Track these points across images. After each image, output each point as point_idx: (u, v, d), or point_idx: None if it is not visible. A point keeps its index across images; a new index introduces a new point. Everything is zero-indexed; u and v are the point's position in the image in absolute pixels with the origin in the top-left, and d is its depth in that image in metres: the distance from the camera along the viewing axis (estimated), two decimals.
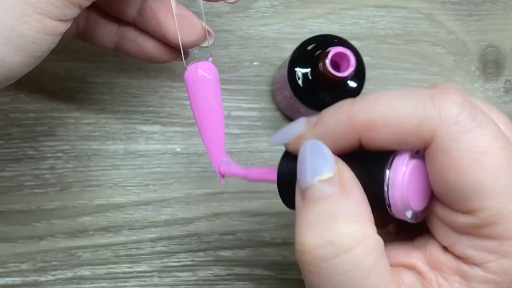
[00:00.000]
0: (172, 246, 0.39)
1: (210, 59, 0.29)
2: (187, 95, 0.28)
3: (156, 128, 0.39)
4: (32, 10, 0.23)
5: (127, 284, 0.39)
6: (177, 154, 0.40)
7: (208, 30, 0.30)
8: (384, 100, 0.20)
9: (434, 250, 0.21)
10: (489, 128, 0.19)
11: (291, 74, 0.35)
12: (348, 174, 0.21)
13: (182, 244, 0.39)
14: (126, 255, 0.39)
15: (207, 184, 0.39)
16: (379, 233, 0.20)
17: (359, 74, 0.35)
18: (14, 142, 0.38)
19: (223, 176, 0.28)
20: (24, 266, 0.38)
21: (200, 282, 0.39)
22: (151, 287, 0.39)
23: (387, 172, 0.20)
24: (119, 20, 0.31)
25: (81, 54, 0.39)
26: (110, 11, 0.31)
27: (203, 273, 0.39)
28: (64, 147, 0.38)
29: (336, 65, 0.33)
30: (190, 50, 0.31)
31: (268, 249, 0.40)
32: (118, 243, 0.39)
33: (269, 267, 0.40)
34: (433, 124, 0.19)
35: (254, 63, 0.41)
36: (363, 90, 0.35)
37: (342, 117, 0.21)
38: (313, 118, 0.22)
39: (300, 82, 0.35)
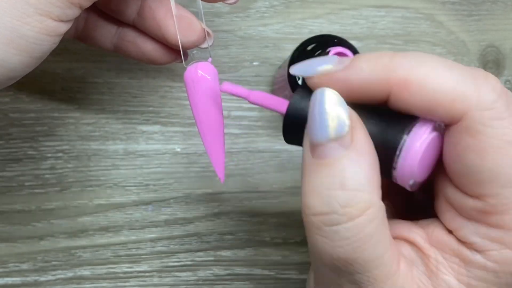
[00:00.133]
0: (172, 246, 0.39)
1: (210, 59, 0.29)
2: (186, 95, 0.28)
3: (156, 128, 0.40)
4: (33, 10, 0.23)
5: (127, 284, 0.39)
6: (177, 154, 0.40)
7: (207, 31, 0.30)
8: (428, 62, 0.19)
9: (438, 231, 0.21)
10: None
11: (291, 74, 0.35)
12: (361, 134, 0.20)
13: (182, 244, 0.39)
14: (126, 255, 0.39)
15: (207, 184, 0.39)
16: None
17: None
18: (14, 142, 0.38)
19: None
20: (24, 266, 0.38)
21: (200, 282, 0.39)
22: (151, 287, 0.39)
23: (405, 136, 0.20)
24: (118, 21, 0.31)
25: (81, 54, 0.39)
26: (109, 12, 0.31)
27: (203, 273, 0.39)
28: (64, 147, 0.38)
29: None
30: (189, 50, 0.31)
31: (268, 249, 0.40)
32: (118, 243, 0.39)
33: (269, 267, 0.40)
34: (469, 104, 0.19)
35: (254, 63, 0.41)
36: None
37: (380, 67, 0.20)
38: (347, 59, 0.21)
39: (300, 82, 0.35)
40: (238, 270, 0.40)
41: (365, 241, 0.19)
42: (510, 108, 0.19)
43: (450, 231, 0.21)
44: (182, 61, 0.29)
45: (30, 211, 0.38)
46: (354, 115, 0.20)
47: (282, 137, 0.39)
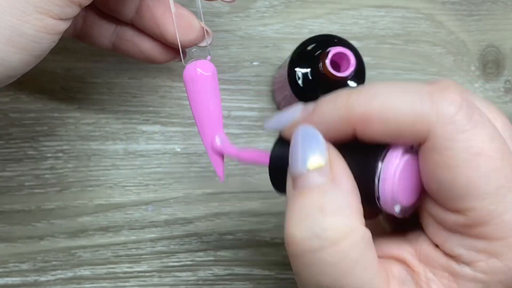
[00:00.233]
0: (172, 246, 0.39)
1: (209, 57, 0.29)
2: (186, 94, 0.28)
3: (156, 128, 0.40)
4: (33, 9, 0.23)
5: (127, 284, 0.39)
6: (177, 154, 0.40)
7: (206, 30, 0.30)
8: (382, 93, 0.20)
9: (425, 246, 0.21)
10: (485, 129, 0.19)
11: (291, 74, 0.35)
12: (340, 164, 0.21)
13: (182, 244, 0.39)
14: (126, 255, 0.39)
15: (207, 184, 0.39)
16: (370, 224, 0.20)
17: (359, 74, 0.35)
18: (14, 142, 0.38)
19: (221, 158, 0.28)
20: (24, 266, 0.38)
21: (200, 282, 0.39)
22: (151, 287, 0.39)
23: (380, 164, 0.20)
24: (117, 20, 0.31)
25: (81, 54, 0.39)
26: (108, 11, 0.31)
27: (203, 273, 0.39)
28: (64, 147, 0.38)
29: (336, 65, 0.33)
30: (188, 49, 0.31)
31: (268, 249, 0.40)
32: (118, 243, 0.39)
33: (269, 267, 0.40)
34: (430, 122, 0.19)
35: (254, 63, 0.41)
36: None
37: (339, 107, 0.20)
38: (310, 106, 0.22)
39: (300, 82, 0.35)
40: (238, 270, 0.40)
41: (351, 266, 0.19)
42: (473, 118, 0.19)
43: (436, 245, 0.21)
44: (181, 60, 0.29)
45: (30, 211, 0.38)
46: (331, 147, 0.21)
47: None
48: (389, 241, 0.22)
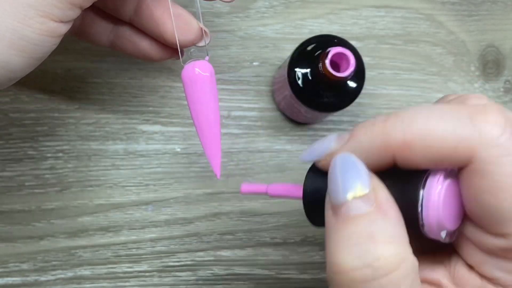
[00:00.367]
0: (172, 246, 0.39)
1: (207, 57, 0.29)
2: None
3: (156, 128, 0.40)
4: (35, 12, 0.23)
5: (127, 284, 0.39)
6: (177, 154, 0.40)
7: (204, 30, 0.30)
8: (420, 118, 0.19)
9: (459, 267, 0.21)
10: None
11: (291, 74, 0.35)
12: (383, 192, 0.20)
13: (182, 244, 0.39)
14: (126, 255, 0.39)
15: (207, 184, 0.39)
16: None
17: (359, 74, 0.35)
18: (14, 142, 0.38)
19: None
20: (25, 266, 0.38)
21: (200, 282, 0.39)
22: (151, 287, 0.39)
23: (421, 192, 0.20)
24: (115, 18, 0.31)
25: (81, 54, 0.39)
26: (107, 10, 0.31)
27: (203, 273, 0.39)
28: (64, 147, 0.38)
29: (336, 65, 0.33)
30: (186, 49, 0.31)
31: (268, 249, 0.40)
32: (118, 243, 0.39)
33: (269, 267, 0.40)
34: (472, 145, 0.18)
35: (254, 63, 0.41)
36: (363, 90, 0.35)
37: (376, 134, 0.20)
38: (345, 134, 0.21)
39: (300, 82, 0.35)
40: (238, 270, 0.40)
41: None
42: None
43: (471, 267, 0.21)
44: (179, 58, 0.29)
45: (30, 211, 0.38)
46: (373, 174, 0.20)
47: (281, 137, 0.39)
48: (422, 264, 0.21)
